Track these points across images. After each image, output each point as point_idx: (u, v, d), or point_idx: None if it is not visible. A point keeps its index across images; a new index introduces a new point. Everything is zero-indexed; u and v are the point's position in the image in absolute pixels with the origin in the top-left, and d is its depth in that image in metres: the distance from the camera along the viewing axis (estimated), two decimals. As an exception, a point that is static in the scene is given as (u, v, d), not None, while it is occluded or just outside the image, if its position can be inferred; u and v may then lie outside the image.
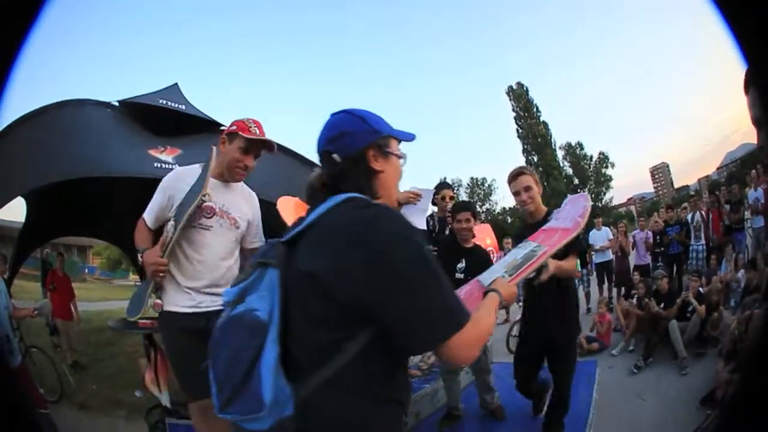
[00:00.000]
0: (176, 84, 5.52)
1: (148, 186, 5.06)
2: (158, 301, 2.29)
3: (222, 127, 5.39)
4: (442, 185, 3.90)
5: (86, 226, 7.89)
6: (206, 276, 2.34)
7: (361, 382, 1.07)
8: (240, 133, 2.30)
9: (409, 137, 1.34)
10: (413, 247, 1.06)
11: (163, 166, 4.26)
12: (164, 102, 4.99)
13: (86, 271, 28.95)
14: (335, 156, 1.22)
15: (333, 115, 1.30)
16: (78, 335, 6.86)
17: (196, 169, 2.37)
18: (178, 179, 2.35)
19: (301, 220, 1.22)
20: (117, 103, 4.95)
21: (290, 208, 2.52)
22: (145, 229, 2.37)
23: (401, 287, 1.02)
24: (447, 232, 3.61)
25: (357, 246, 1.04)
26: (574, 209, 2.43)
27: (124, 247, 9.29)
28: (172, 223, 2.24)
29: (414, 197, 3.16)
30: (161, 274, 2.24)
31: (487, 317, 1.24)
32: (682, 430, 3.85)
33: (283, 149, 5.11)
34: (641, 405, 4.45)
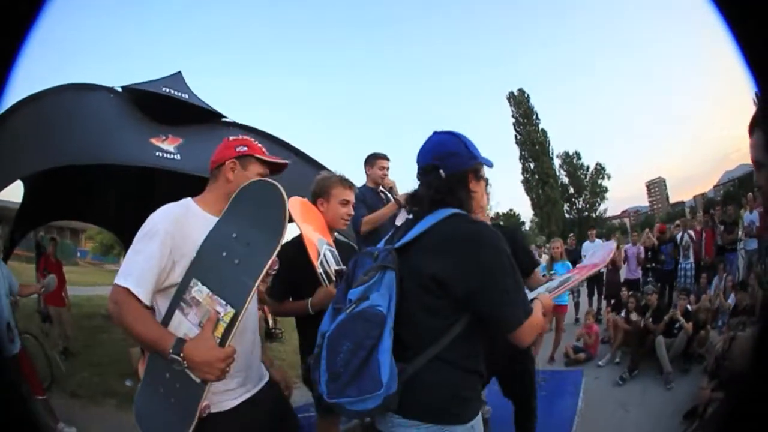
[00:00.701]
0: (179, 72, 5.48)
1: (146, 174, 5.12)
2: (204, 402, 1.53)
3: (224, 119, 5.45)
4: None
5: (82, 211, 7.95)
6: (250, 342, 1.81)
7: (457, 358, 1.41)
8: (256, 155, 1.79)
9: (491, 165, 1.62)
10: (506, 257, 1.41)
11: (165, 155, 4.23)
12: (167, 90, 4.95)
13: (78, 254, 28.86)
14: (441, 172, 1.50)
15: (438, 134, 1.60)
16: (70, 322, 6.76)
17: (193, 208, 1.71)
18: (177, 225, 1.61)
19: (400, 227, 1.61)
20: (120, 89, 4.90)
21: (297, 209, 2.45)
22: (143, 310, 1.50)
23: (499, 286, 1.38)
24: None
25: (470, 256, 1.39)
26: (603, 251, 2.94)
27: (121, 234, 9.31)
28: (206, 291, 1.54)
29: None
30: (228, 371, 1.50)
31: (538, 314, 1.51)
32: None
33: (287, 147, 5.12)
34: (625, 416, 4.48)
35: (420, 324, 1.41)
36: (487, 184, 1.63)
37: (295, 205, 2.74)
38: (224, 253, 1.57)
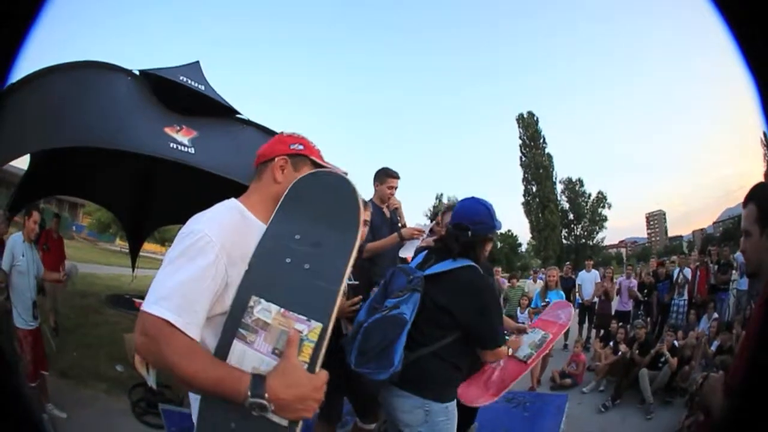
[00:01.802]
0: (198, 62, 5.34)
1: (154, 161, 4.97)
2: None
3: (239, 115, 5.32)
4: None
5: (85, 188, 7.83)
6: None
7: (447, 356, 2.12)
8: (312, 157, 1.52)
9: (500, 228, 2.33)
10: (497, 302, 2.40)
11: (179, 147, 4.15)
12: (184, 79, 4.82)
13: (74, 228, 28.75)
14: (470, 233, 2.15)
15: (475, 200, 2.28)
16: (64, 298, 6.74)
17: (247, 215, 1.39)
18: (234, 236, 1.27)
19: (429, 258, 2.28)
20: (137, 72, 4.73)
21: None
22: (192, 344, 1.14)
23: (487, 323, 2.14)
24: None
25: (472, 298, 2.11)
26: (563, 313, 3.33)
27: (120, 216, 9.29)
28: (276, 308, 1.21)
29: (418, 233, 3.35)
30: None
31: (504, 348, 2.30)
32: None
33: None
34: None
35: (427, 330, 2.10)
36: (492, 241, 2.41)
37: None
38: (288, 259, 1.27)
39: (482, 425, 3.72)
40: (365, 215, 2.13)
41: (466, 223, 2.16)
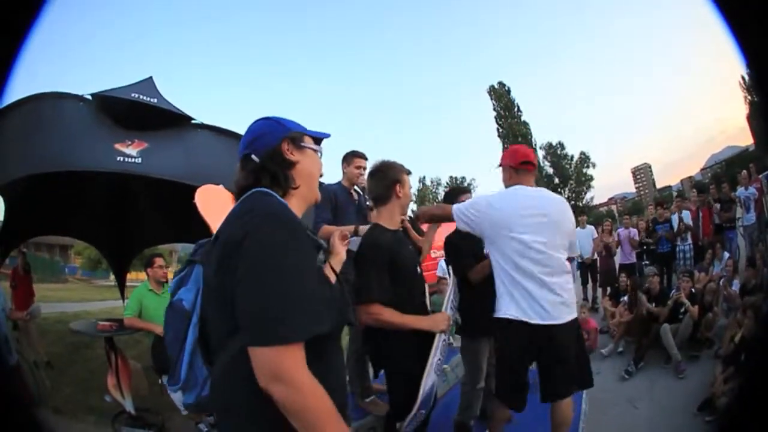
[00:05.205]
0: (150, 77, 5.35)
1: (113, 181, 4.98)
2: None
3: (193, 121, 5.35)
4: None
5: (60, 224, 7.70)
6: None
7: (247, 370, 1.08)
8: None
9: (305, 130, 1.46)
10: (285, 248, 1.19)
11: (126, 159, 4.13)
12: (136, 96, 4.81)
13: (66, 271, 28.58)
14: (252, 156, 1.36)
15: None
16: (35, 332, 6.63)
17: None
18: None
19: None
20: (90, 97, 4.78)
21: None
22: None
23: (257, 287, 1.11)
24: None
25: (239, 249, 1.13)
26: None
27: (98, 245, 9.12)
28: None
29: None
30: None
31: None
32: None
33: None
34: (635, 413, 4.21)
35: (216, 325, 1.30)
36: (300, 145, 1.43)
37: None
38: None
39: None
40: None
41: (243, 152, 1.38)
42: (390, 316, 2.21)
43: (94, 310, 12.29)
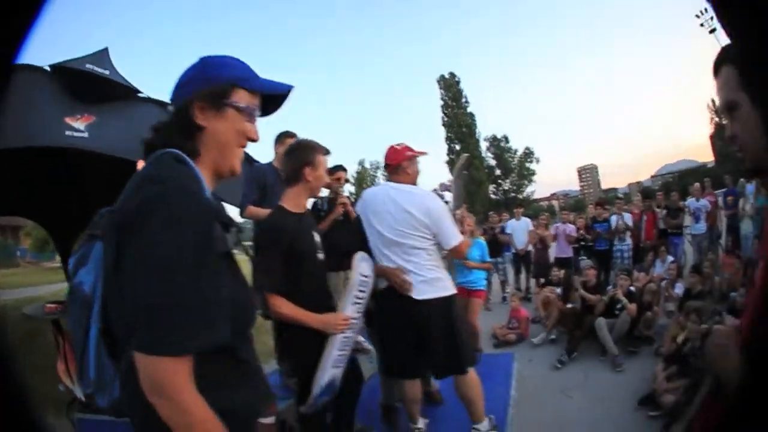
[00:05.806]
0: (106, 48, 5.11)
1: (60, 156, 4.74)
2: None
3: (140, 94, 5.20)
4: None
5: (16, 204, 7.72)
6: None
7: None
8: None
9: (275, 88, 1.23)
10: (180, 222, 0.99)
11: (74, 134, 4.08)
12: (90, 67, 4.70)
13: (18, 253, 27.36)
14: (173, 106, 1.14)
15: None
16: (11, 325, 6.36)
17: None
18: None
19: None
20: (48, 68, 4.61)
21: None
22: None
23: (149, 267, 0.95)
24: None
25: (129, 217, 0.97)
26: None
27: (46, 225, 8.93)
28: None
29: None
30: None
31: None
32: (621, 429, 3.66)
33: None
34: (568, 402, 4.21)
35: (117, 314, 1.06)
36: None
37: None
38: None
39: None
40: None
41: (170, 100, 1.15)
42: (287, 309, 2.22)
43: (44, 294, 11.69)
